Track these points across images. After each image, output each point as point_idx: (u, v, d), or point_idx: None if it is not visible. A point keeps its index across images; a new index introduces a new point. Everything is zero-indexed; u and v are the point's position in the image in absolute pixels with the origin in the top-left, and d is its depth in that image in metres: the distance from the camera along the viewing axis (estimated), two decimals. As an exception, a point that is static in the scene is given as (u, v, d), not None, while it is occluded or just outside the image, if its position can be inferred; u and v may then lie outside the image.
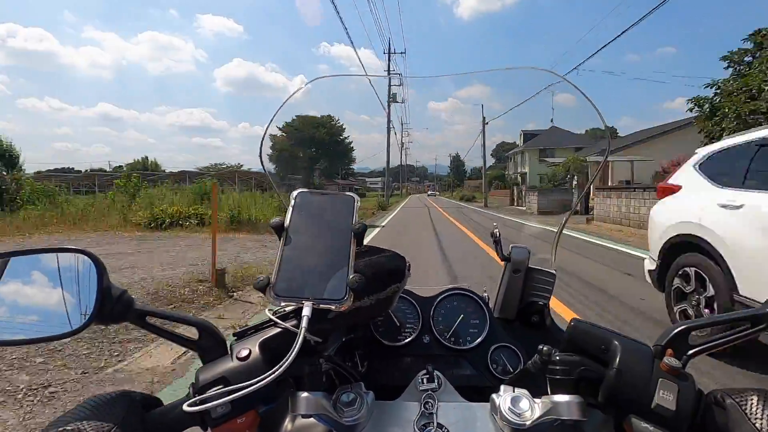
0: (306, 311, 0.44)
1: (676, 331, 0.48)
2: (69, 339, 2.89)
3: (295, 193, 0.53)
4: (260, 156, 0.71)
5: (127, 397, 0.44)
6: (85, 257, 0.47)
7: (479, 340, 0.71)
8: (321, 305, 0.45)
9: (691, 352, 0.48)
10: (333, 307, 0.45)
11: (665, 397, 0.43)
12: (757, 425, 0.39)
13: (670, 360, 0.45)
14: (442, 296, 0.76)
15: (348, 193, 0.54)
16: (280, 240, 0.49)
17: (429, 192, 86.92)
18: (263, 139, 0.73)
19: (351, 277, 0.46)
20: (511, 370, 0.68)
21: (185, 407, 0.42)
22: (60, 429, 0.38)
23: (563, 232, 0.82)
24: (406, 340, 0.71)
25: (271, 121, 0.77)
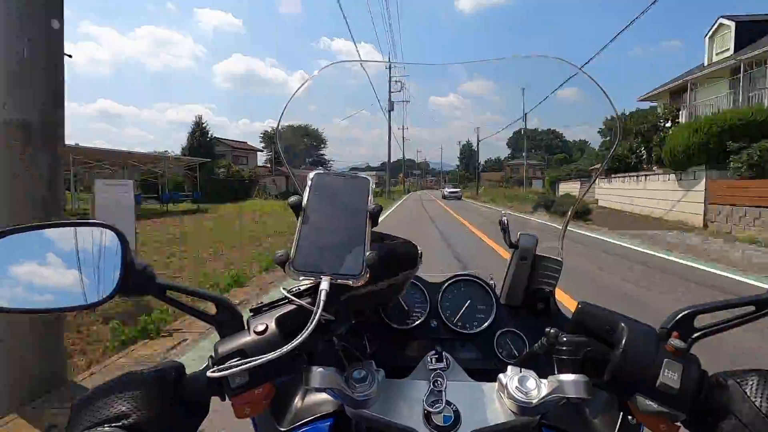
0: (324, 285, 0.45)
1: (681, 314, 0.49)
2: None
3: (311, 174, 0.54)
4: (277, 147, 0.73)
5: (159, 373, 0.47)
6: (109, 231, 0.49)
7: (486, 325, 0.72)
8: (338, 280, 0.46)
9: (696, 335, 0.49)
10: (350, 283, 0.46)
11: (670, 376, 0.44)
12: (756, 404, 0.41)
13: (675, 341, 0.46)
14: (450, 282, 0.78)
15: (362, 175, 0.56)
16: (297, 218, 0.50)
17: (448, 190, 41.79)
18: (277, 130, 0.74)
19: (368, 254, 0.47)
20: (517, 354, 0.69)
21: (209, 374, 0.44)
22: (94, 404, 0.40)
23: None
24: (414, 324, 0.72)
25: (283, 113, 0.78)
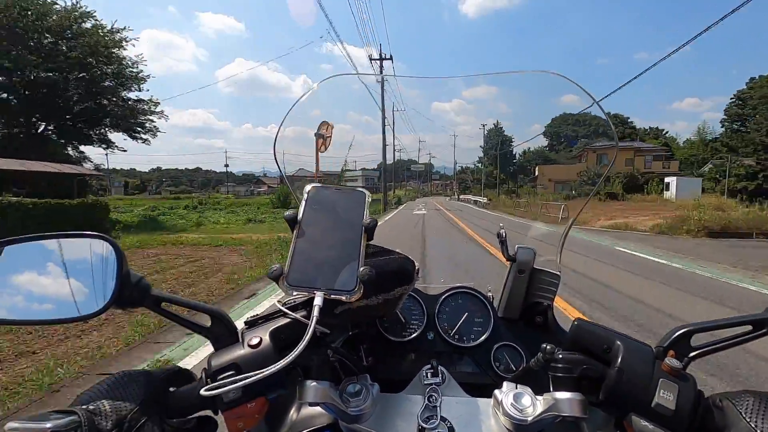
0: (318, 301, 0.45)
1: (678, 333, 0.49)
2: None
3: (308, 187, 0.55)
4: (275, 156, 0.73)
5: (150, 375, 0.47)
6: (106, 243, 0.49)
7: (483, 338, 0.72)
8: (332, 296, 0.46)
9: (692, 354, 0.49)
10: (344, 298, 0.46)
11: (665, 396, 0.44)
12: (751, 423, 0.40)
13: (671, 361, 0.46)
14: (447, 294, 0.77)
15: (359, 188, 0.56)
16: (293, 232, 0.51)
17: None
18: (276, 139, 0.75)
19: (362, 269, 0.47)
20: (514, 368, 0.69)
21: (202, 392, 0.44)
22: (89, 406, 0.40)
23: None
24: (411, 336, 0.72)
25: (282, 122, 0.78)
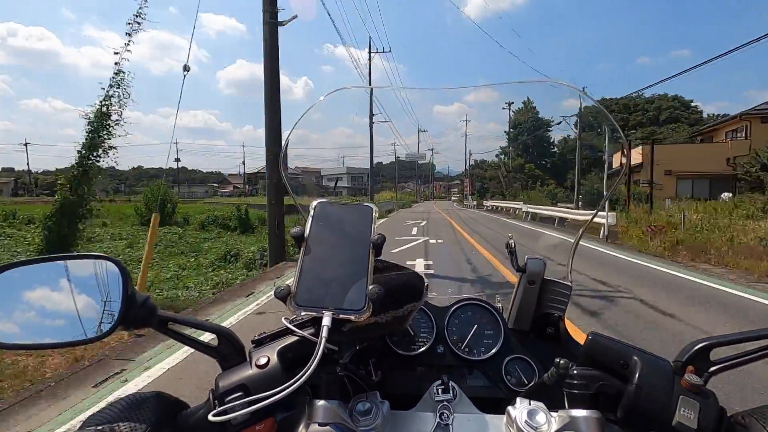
0: (326, 321, 0.44)
1: (697, 347, 0.48)
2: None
3: (314, 203, 0.54)
4: (280, 166, 0.72)
5: (160, 398, 0.46)
6: (111, 263, 0.48)
7: (493, 351, 0.70)
8: (341, 315, 0.45)
9: (712, 369, 0.47)
10: (353, 318, 0.45)
11: (686, 414, 0.42)
12: None
13: (691, 377, 0.44)
14: (457, 306, 0.76)
15: (366, 204, 0.55)
16: (299, 250, 0.50)
17: None
18: (285, 148, 0.74)
19: (370, 288, 0.46)
20: (526, 382, 0.67)
21: (211, 417, 0.43)
22: (97, 428, 0.39)
23: None
24: (420, 350, 0.71)
25: (291, 131, 0.78)
